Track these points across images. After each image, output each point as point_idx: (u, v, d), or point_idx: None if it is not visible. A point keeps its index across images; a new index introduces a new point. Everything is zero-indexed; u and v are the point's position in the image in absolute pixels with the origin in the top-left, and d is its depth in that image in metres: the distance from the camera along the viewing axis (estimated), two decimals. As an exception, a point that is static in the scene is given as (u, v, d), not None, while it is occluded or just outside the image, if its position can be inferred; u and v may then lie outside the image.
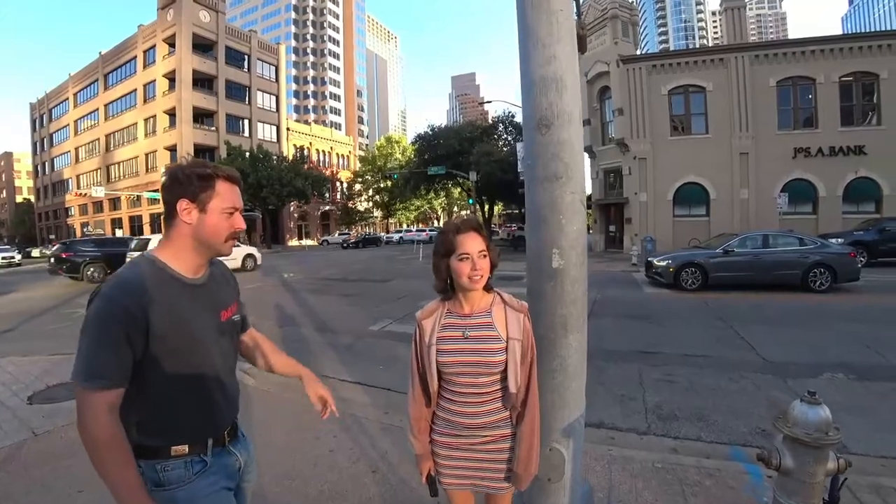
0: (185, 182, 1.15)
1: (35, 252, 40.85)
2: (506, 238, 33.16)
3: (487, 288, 1.48)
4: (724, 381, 4.52)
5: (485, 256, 1.40)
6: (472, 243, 1.40)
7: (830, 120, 19.07)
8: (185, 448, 1.14)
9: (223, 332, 1.26)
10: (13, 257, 30.37)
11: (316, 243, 45.95)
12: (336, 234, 44.28)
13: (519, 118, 31.78)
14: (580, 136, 1.59)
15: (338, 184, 53.60)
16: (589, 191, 30.41)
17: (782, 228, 13.09)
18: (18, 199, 76.05)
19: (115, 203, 43.11)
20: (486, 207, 34.45)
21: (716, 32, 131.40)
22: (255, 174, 33.08)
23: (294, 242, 46.27)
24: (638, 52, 24.02)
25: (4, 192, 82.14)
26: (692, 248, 12.40)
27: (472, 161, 27.44)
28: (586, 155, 26.05)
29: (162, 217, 1.26)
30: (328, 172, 47.06)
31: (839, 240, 11.99)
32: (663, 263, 10.78)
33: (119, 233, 41.08)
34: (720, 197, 20.20)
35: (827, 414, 2.06)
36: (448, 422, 1.52)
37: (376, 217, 53.90)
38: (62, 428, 3.51)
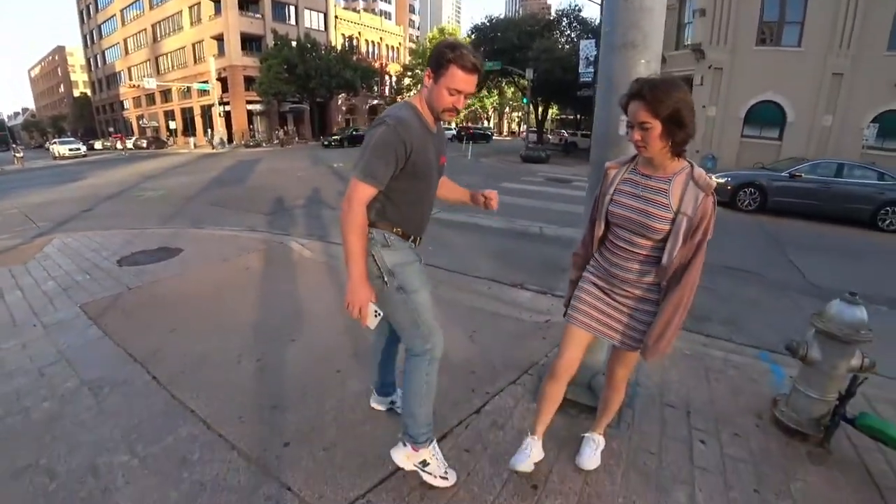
0: (435, 57, 1.49)
1: (97, 144, 42.75)
2: (557, 143, 31.77)
3: (680, 156, 1.43)
4: (764, 296, 4.52)
5: (646, 128, 1.35)
6: (636, 114, 1.37)
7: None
8: (401, 231, 1.66)
9: (438, 171, 1.73)
10: (79, 149, 31.59)
11: (363, 138, 45.81)
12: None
13: (586, 13, 28.73)
14: (663, 6, 1.50)
15: (387, 77, 51.37)
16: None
17: (864, 161, 11.81)
18: (76, 93, 78.01)
19: (166, 95, 43.68)
20: (541, 109, 32.57)
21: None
22: (302, 64, 32.02)
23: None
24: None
25: (62, 86, 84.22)
26: (756, 169, 11.57)
27: (531, 58, 25.38)
28: (652, 62, 23.61)
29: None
30: (377, 65, 44.98)
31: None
32: (722, 180, 10.32)
33: (171, 124, 42.24)
34: (798, 121, 18.12)
35: (863, 315, 2.11)
36: (600, 266, 1.64)
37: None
38: (150, 284, 4.03)
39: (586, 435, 1.99)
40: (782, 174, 9.77)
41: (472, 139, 30.79)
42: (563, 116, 49.55)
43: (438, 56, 1.47)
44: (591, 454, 1.93)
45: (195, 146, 35.30)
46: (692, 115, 1.33)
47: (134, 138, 41.89)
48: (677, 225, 1.39)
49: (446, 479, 1.78)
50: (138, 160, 24.60)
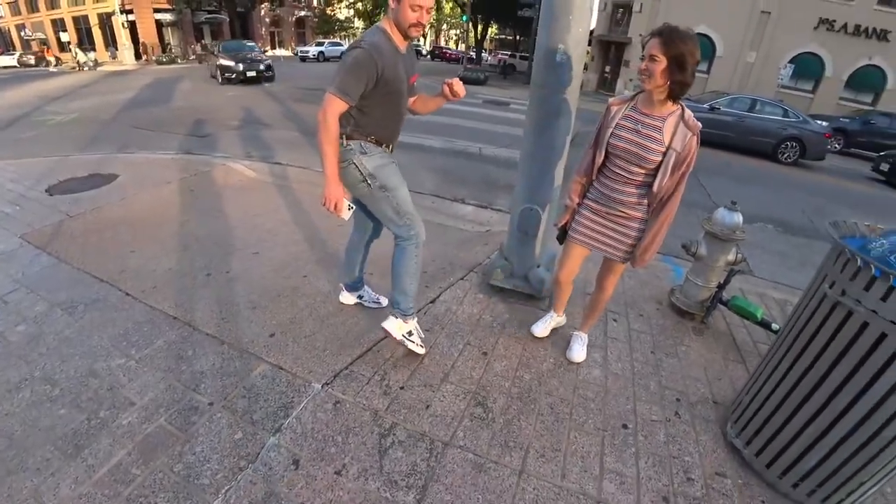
0: None
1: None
2: (495, 65, 31.12)
3: (675, 100, 1.63)
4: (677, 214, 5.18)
5: (654, 61, 1.54)
6: (650, 48, 1.56)
7: (873, -6, 17.05)
8: (374, 139, 1.90)
9: (409, 88, 1.96)
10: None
11: (290, 54, 41.75)
12: (314, 45, 39.63)
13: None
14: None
15: (316, -14, 46.83)
16: (593, 25, 28.08)
17: (774, 98, 12.90)
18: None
19: (52, 0, 37.17)
20: (480, 28, 31.43)
21: None
22: (220, -32, 28.34)
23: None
24: None
25: None
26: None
27: None
28: (596, -15, 23.39)
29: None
30: (304, -30, 40.49)
31: (825, 123, 11.52)
32: (648, 112, 10.92)
33: (64, 36, 36.21)
34: (726, 55, 19.11)
35: (739, 219, 2.66)
36: (600, 192, 1.90)
37: (357, 27, 47.86)
38: (93, 211, 3.88)
39: (574, 333, 2.38)
40: (703, 106, 10.53)
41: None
42: (503, 37, 48.23)
43: None
44: (580, 348, 2.32)
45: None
46: (694, 66, 1.55)
47: (18, 53, 35.62)
48: (667, 158, 1.64)
49: (422, 347, 2.19)
50: (29, 79, 21.36)
